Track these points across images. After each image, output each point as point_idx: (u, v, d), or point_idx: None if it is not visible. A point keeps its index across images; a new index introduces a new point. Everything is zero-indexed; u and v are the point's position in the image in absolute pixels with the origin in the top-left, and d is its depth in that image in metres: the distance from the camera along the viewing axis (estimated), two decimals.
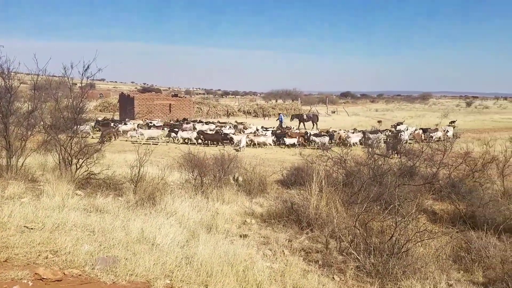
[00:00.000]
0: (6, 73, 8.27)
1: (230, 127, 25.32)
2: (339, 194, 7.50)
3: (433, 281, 4.84)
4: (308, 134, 21.82)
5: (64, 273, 3.62)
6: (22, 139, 8.61)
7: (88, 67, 8.22)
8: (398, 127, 25.54)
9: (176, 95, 40.94)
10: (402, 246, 5.30)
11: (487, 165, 10.15)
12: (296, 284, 4.15)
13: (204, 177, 9.16)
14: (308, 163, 10.34)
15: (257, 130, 23.65)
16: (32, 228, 4.78)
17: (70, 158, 8.20)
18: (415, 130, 23.82)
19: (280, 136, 21.51)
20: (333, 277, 4.94)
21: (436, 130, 23.95)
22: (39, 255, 4.00)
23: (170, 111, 34.94)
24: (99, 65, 8.43)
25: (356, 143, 20.04)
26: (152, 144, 19.34)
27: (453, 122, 31.63)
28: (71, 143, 8.29)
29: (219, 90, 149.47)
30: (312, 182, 7.31)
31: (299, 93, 70.49)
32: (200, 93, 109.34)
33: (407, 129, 24.16)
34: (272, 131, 23.20)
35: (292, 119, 30.84)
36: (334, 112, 50.01)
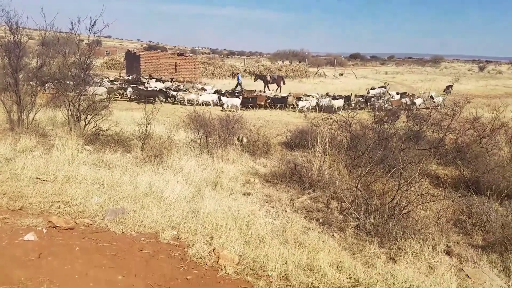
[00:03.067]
0: (15, 27, 8.16)
1: (184, 86, 24.37)
2: (342, 157, 7.58)
3: (432, 242, 4.94)
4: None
5: (76, 222, 3.81)
6: (32, 94, 8.68)
7: (95, 22, 8.11)
8: (372, 91, 24.81)
9: (181, 54, 40.14)
10: (403, 208, 5.39)
11: (495, 131, 10.02)
12: (297, 239, 4.30)
13: (209, 137, 9.26)
14: (312, 125, 10.34)
15: (217, 91, 22.34)
16: (44, 180, 4.96)
17: (78, 114, 8.31)
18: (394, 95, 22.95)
19: (221, 95, 20.97)
20: (333, 235, 5.12)
21: (413, 95, 22.83)
22: (51, 205, 4.19)
23: (175, 70, 34.50)
24: (106, 21, 8.28)
25: (306, 108, 19.67)
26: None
27: (451, 86, 30.52)
28: (79, 99, 8.35)
29: (224, 50, 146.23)
30: (316, 144, 7.35)
31: (306, 54, 68.71)
32: (205, 53, 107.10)
33: (387, 94, 23.31)
34: (228, 92, 22.42)
35: (255, 79, 30.12)
36: (342, 74, 48.91)
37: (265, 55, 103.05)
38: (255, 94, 22.36)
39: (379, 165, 7.32)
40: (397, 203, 5.50)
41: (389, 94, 24.17)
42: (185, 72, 34.84)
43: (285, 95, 22.31)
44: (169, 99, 20.58)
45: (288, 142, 10.93)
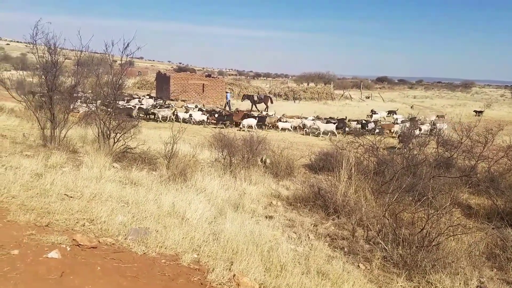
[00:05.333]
0: (53, 48, 8.65)
1: (172, 105, 25.95)
2: (369, 183, 7.35)
3: (464, 277, 4.67)
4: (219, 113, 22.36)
5: (99, 241, 3.83)
6: (65, 112, 9.07)
7: (128, 45, 8.53)
8: (375, 116, 24.37)
9: (209, 76, 41.14)
10: (433, 239, 5.13)
11: None
12: (320, 269, 4.14)
13: (233, 157, 9.29)
14: (338, 149, 10.19)
15: (200, 110, 23.88)
16: (71, 197, 5.07)
17: (108, 132, 8.58)
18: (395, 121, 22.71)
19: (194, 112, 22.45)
20: (358, 265, 4.90)
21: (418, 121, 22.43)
22: (77, 222, 4.25)
23: (203, 91, 35.32)
24: (138, 43, 8.69)
25: (288, 129, 20.21)
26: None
27: (481, 112, 29.50)
28: (110, 118, 8.65)
29: (251, 71, 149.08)
30: (341, 168, 7.20)
31: (332, 77, 68.71)
32: (232, 74, 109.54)
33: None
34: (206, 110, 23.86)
35: (243, 99, 30.57)
36: (368, 97, 48.42)
37: (290, 77, 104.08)
38: (236, 111, 23.31)
39: (407, 193, 7.04)
40: (426, 233, 5.25)
41: (396, 118, 23.79)
42: (212, 93, 35.60)
43: (272, 114, 23.56)
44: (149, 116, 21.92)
45: (312, 165, 10.79)
